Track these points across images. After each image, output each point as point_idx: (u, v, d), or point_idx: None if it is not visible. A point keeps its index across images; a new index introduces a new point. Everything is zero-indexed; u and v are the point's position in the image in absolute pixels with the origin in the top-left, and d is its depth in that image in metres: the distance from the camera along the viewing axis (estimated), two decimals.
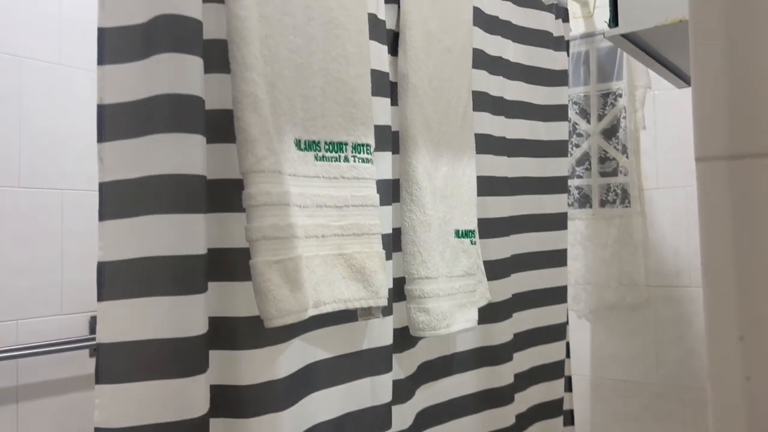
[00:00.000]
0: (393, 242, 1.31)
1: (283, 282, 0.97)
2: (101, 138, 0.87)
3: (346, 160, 1.15)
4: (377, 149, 1.23)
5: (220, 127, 0.99)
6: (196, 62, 0.90)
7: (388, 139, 1.30)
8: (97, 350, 0.82)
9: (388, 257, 1.27)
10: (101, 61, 0.88)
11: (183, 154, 0.87)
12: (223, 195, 1.00)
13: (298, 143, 1.08)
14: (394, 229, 1.32)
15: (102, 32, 0.89)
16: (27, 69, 1.66)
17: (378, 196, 1.19)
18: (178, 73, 0.88)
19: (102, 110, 0.88)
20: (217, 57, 0.98)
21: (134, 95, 0.88)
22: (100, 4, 0.88)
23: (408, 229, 1.34)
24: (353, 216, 1.14)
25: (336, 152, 1.14)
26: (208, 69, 0.97)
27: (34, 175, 1.65)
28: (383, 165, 1.27)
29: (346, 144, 1.15)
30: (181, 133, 0.87)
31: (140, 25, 0.89)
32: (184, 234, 0.87)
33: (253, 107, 0.96)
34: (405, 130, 1.35)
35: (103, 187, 0.87)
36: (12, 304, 1.58)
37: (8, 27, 1.64)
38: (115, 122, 0.87)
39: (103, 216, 0.86)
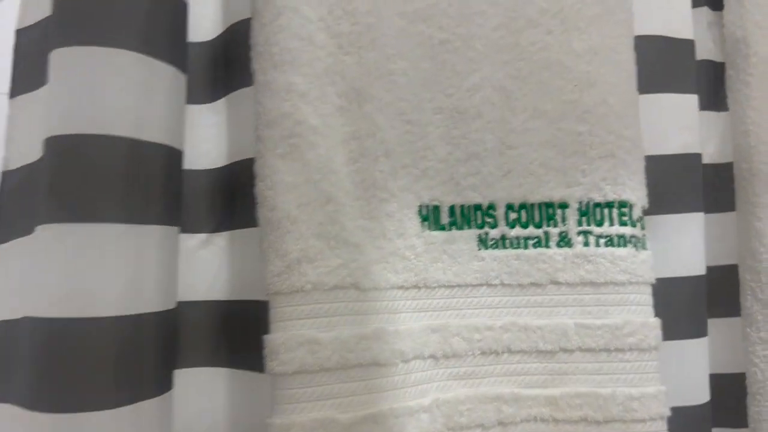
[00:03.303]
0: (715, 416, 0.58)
1: None
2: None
3: (565, 242, 0.50)
4: (656, 210, 0.55)
5: (232, 195, 0.48)
6: (160, 72, 0.42)
7: (695, 186, 0.59)
8: None
9: None
10: (14, 90, 0.47)
11: (99, 274, 0.38)
12: (235, 339, 0.48)
13: (431, 215, 0.49)
14: (718, 385, 0.59)
15: (18, 38, 0.48)
16: None
17: (658, 322, 0.50)
18: (105, 93, 0.40)
19: (4, 184, 0.46)
20: (233, 63, 0.48)
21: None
22: None
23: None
24: (585, 376, 0.49)
25: (537, 225, 0.50)
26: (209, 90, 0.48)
27: None
28: (677, 240, 0.57)
29: (563, 207, 0.50)
30: (108, 222, 0.39)
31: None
32: None
33: (290, 147, 0.43)
34: (748, 160, 0.61)
35: None
36: None
37: None
38: (14, 207, 0.44)
39: None
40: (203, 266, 0.52)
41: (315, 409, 0.41)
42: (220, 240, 0.52)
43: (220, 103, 0.52)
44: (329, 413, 0.41)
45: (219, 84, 0.52)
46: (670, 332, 0.56)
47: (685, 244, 0.57)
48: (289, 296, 0.41)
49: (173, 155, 0.43)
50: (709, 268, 0.64)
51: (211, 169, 0.52)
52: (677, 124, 0.58)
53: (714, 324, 0.64)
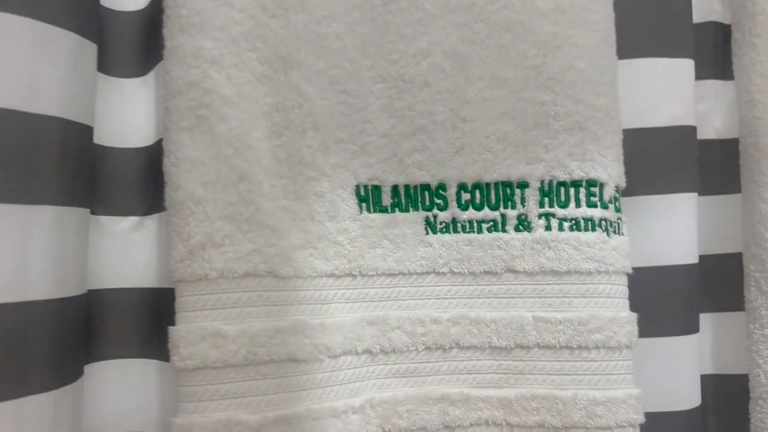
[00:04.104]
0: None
1: None
2: None
3: (524, 225, 0.45)
4: (641, 190, 0.49)
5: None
6: (56, 39, 0.38)
7: (688, 163, 0.52)
8: None
9: None
10: None
11: None
12: (166, 330, 0.44)
13: (370, 195, 0.44)
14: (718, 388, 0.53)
15: None
16: None
17: (632, 317, 0.45)
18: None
19: None
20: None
21: None
22: None
23: None
24: (543, 376, 0.43)
25: (493, 207, 0.45)
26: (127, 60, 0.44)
27: None
28: (665, 224, 0.51)
29: (522, 186, 0.45)
30: None
31: None
32: None
33: (197, 119, 0.39)
34: (754, 133, 0.54)
35: None
36: None
37: None
38: None
39: None
40: (135, 251, 0.48)
41: (219, 408, 0.37)
42: (152, 223, 0.48)
43: (150, 76, 0.49)
44: (235, 414, 0.37)
45: (150, 55, 0.48)
46: (656, 328, 0.50)
47: (675, 228, 0.51)
48: (193, 284, 0.38)
49: (72, 130, 0.40)
50: (713, 257, 0.57)
51: (142, 147, 0.49)
52: (668, 92, 0.51)
53: (717, 319, 0.57)
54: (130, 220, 0.49)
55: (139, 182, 0.49)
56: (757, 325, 0.53)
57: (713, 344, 0.57)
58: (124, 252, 0.49)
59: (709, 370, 0.57)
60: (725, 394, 0.56)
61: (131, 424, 0.48)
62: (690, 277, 0.51)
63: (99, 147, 0.48)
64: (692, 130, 0.52)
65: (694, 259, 0.51)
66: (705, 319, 0.57)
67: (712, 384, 0.57)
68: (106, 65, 0.49)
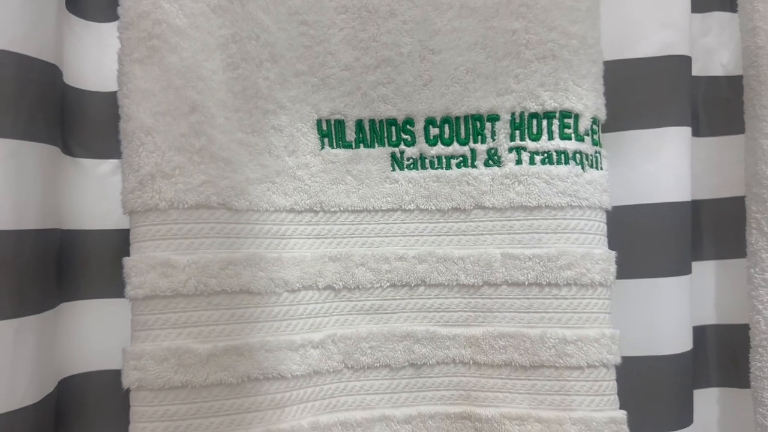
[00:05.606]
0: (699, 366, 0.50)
1: None
2: None
3: (494, 160, 0.43)
4: (628, 124, 0.46)
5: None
6: None
7: (681, 95, 0.49)
8: None
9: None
10: None
11: None
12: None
13: (333, 130, 0.43)
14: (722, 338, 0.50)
15: None
16: None
17: (608, 254, 0.42)
18: None
19: None
20: None
21: None
22: None
23: None
24: (512, 314, 0.42)
25: (462, 142, 0.44)
26: None
27: None
28: (654, 159, 0.48)
29: (492, 119, 0.43)
30: None
31: None
32: None
33: (148, 51, 0.39)
34: (756, 65, 0.50)
35: None
36: None
37: None
38: None
39: None
40: (115, 193, 0.49)
41: (169, 337, 0.37)
42: None
43: None
44: (185, 342, 0.37)
45: None
46: (643, 269, 0.48)
47: (665, 164, 0.48)
48: (144, 215, 0.38)
49: (29, 65, 0.40)
50: (720, 201, 0.54)
51: None
52: (659, 20, 0.48)
53: (720, 267, 0.55)
54: (110, 163, 0.50)
55: (119, 125, 0.49)
56: (757, 269, 0.50)
57: (716, 293, 0.55)
58: (103, 194, 0.50)
59: (712, 320, 0.54)
60: (727, 345, 0.53)
61: (111, 362, 0.49)
62: (681, 216, 0.48)
63: (77, 90, 0.49)
64: (686, 60, 0.49)
65: (685, 197, 0.48)
66: (707, 267, 0.54)
67: (714, 334, 0.54)
68: (83, 9, 0.50)
